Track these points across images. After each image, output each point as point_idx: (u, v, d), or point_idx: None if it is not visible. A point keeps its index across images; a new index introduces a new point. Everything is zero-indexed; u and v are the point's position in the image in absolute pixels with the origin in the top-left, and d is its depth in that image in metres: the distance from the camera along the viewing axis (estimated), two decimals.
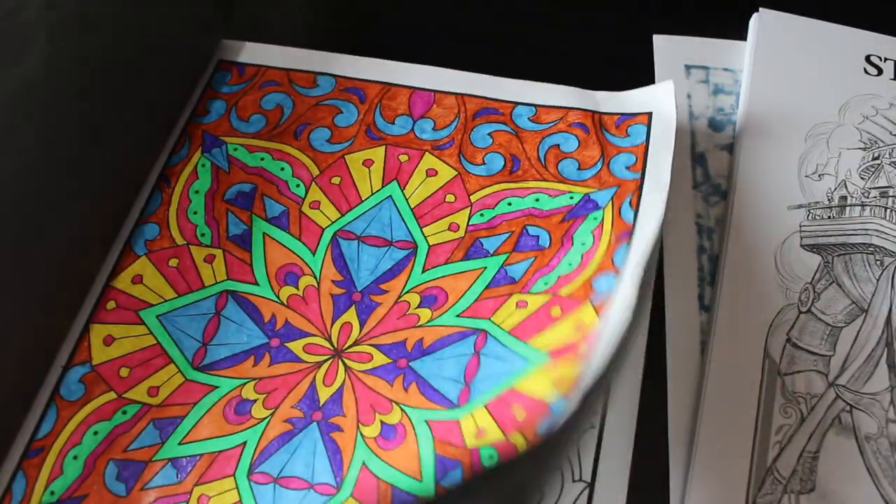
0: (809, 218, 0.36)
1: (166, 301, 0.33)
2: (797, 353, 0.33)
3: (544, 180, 0.36)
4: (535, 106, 0.38)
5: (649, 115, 0.37)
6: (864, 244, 0.36)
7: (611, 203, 0.35)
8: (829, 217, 0.36)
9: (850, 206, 0.37)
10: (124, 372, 0.32)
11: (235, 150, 0.38)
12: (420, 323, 0.33)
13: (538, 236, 0.34)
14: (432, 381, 0.31)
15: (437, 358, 0.32)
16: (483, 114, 0.38)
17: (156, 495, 0.29)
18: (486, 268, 0.34)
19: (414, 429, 0.30)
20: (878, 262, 0.35)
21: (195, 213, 0.36)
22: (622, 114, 0.37)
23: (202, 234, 0.35)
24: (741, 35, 0.43)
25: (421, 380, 0.31)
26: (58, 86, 0.33)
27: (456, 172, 0.37)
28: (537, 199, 0.36)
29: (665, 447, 0.32)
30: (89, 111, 0.34)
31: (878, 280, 0.35)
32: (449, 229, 0.35)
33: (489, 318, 0.32)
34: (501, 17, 0.46)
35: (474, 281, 0.34)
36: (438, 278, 0.34)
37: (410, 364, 0.32)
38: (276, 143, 0.38)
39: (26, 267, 0.31)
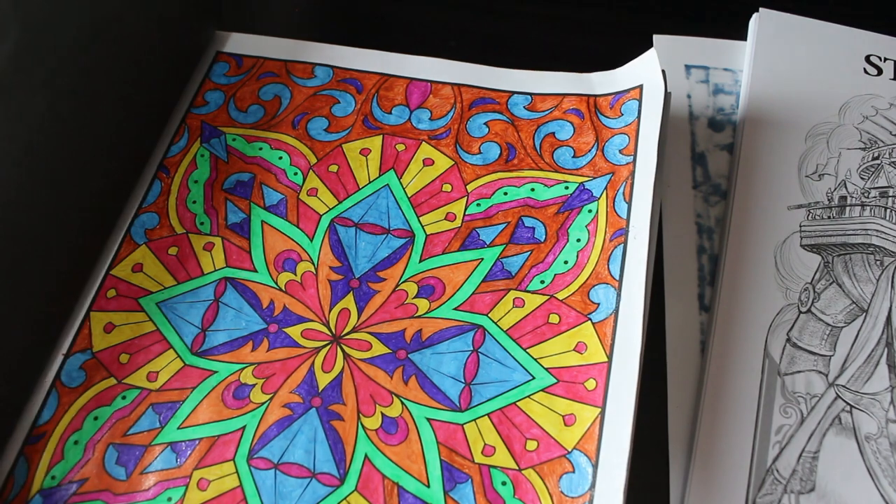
0: (809, 218, 0.36)
1: (166, 289, 0.34)
2: (797, 353, 0.33)
3: (540, 169, 0.36)
4: (530, 94, 0.39)
5: (640, 88, 0.37)
6: (864, 244, 0.36)
7: (605, 194, 0.35)
8: (829, 217, 0.36)
9: (850, 206, 0.37)
10: (124, 358, 0.32)
11: (234, 140, 0.38)
12: (418, 314, 0.33)
13: (534, 228, 0.35)
14: (432, 376, 0.32)
15: (436, 352, 0.32)
16: (479, 103, 0.39)
17: (156, 479, 0.30)
18: (482, 259, 0.34)
19: (416, 426, 0.30)
20: (878, 263, 0.35)
21: (194, 202, 0.36)
22: (616, 92, 0.38)
23: (201, 223, 0.35)
24: (741, 35, 0.43)
25: (420, 373, 0.32)
26: (49, 76, 0.33)
27: (453, 162, 0.37)
28: (533, 189, 0.36)
29: (665, 447, 0.32)
30: (85, 101, 0.34)
31: (878, 280, 0.35)
32: (446, 219, 0.35)
33: (487, 315, 0.33)
34: (501, 17, 0.46)
35: (471, 273, 0.34)
36: (436, 268, 0.34)
37: (409, 356, 0.32)
38: (273, 132, 0.38)
39: (26, 257, 0.31)
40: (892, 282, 0.35)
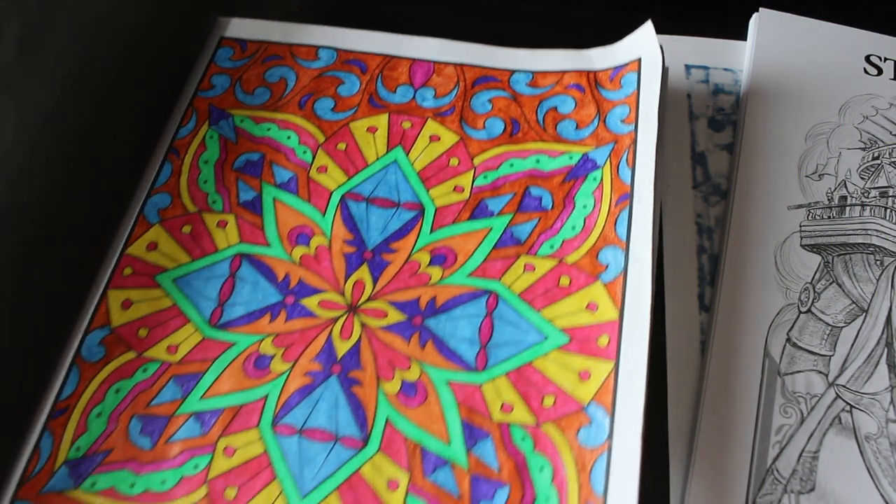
0: (809, 218, 0.36)
1: (181, 265, 0.34)
2: (797, 353, 0.33)
3: (544, 141, 0.37)
4: (531, 72, 0.39)
5: (639, 61, 0.38)
6: (864, 244, 0.36)
7: (608, 162, 0.36)
8: (829, 217, 0.36)
9: (850, 206, 0.37)
10: (143, 332, 0.33)
11: (242, 121, 0.39)
12: (432, 282, 0.34)
13: (540, 197, 0.35)
14: (448, 340, 0.32)
15: (451, 317, 0.33)
16: (482, 81, 0.39)
17: (181, 447, 0.30)
18: (491, 228, 0.35)
19: (435, 389, 0.31)
20: (878, 262, 0.35)
21: (205, 181, 0.37)
22: (615, 66, 0.38)
23: (213, 202, 0.36)
24: (741, 35, 0.43)
25: (436, 338, 0.32)
26: (55, 64, 0.34)
27: (458, 137, 0.38)
28: (538, 161, 0.37)
29: (665, 447, 0.32)
30: (92, 88, 0.35)
31: (877, 280, 0.35)
32: (454, 191, 0.36)
33: (499, 280, 0.33)
34: (500, 18, 0.46)
35: (482, 241, 0.35)
36: (447, 238, 0.35)
37: (425, 322, 0.33)
38: (281, 113, 0.39)
39: (42, 239, 0.32)
40: (892, 282, 0.35)
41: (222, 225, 0.35)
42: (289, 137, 0.38)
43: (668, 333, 0.35)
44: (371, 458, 0.30)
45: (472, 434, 0.30)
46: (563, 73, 0.39)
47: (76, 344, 0.32)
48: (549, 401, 0.30)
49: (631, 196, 0.34)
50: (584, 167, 0.36)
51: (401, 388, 0.31)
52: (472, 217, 0.35)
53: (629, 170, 0.34)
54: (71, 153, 0.33)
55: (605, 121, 0.37)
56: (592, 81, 0.38)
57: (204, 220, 0.35)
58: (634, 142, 0.35)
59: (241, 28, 0.42)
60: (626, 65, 0.38)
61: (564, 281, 0.33)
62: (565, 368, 0.31)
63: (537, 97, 0.38)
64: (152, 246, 0.35)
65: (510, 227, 0.35)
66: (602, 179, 0.35)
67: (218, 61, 0.41)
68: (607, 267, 0.33)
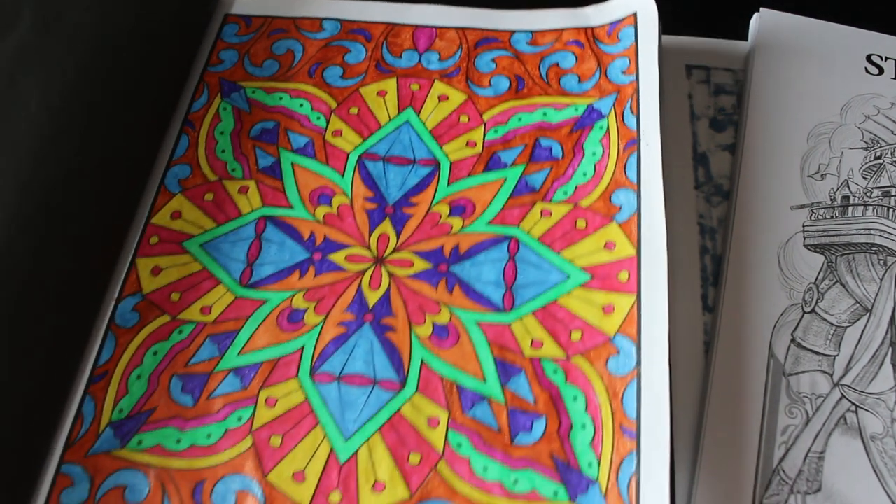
0: (812, 218, 0.36)
1: (207, 231, 0.35)
2: (802, 354, 0.33)
3: (549, 95, 0.38)
4: (531, 31, 0.41)
5: (634, 15, 0.39)
6: (868, 244, 0.36)
7: (613, 111, 0.37)
8: (832, 217, 0.36)
9: (853, 205, 0.37)
10: (175, 296, 0.33)
11: (254, 92, 0.39)
12: (453, 231, 0.35)
13: (550, 147, 0.37)
14: (474, 284, 0.33)
15: (475, 263, 0.34)
16: (484, 43, 0.41)
17: (223, 402, 0.31)
18: (506, 178, 0.36)
19: (466, 330, 0.32)
20: (882, 262, 0.35)
21: (223, 151, 0.37)
22: (611, 22, 0.40)
23: (233, 169, 0.37)
24: (742, 35, 0.43)
25: (463, 283, 0.33)
26: (69, 49, 0.35)
27: (466, 96, 0.39)
28: (545, 113, 0.38)
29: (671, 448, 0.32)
30: (106, 69, 0.36)
31: (881, 280, 0.35)
32: (467, 146, 0.37)
33: (518, 226, 0.35)
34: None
35: (498, 190, 0.36)
36: (464, 189, 0.36)
37: (451, 268, 0.34)
38: (292, 82, 0.40)
39: (67, 212, 0.32)
40: None
41: (244, 191, 0.36)
42: (301, 105, 0.39)
43: (672, 334, 0.35)
44: (410, 399, 0.31)
45: (506, 370, 0.31)
46: (562, 30, 0.40)
47: (109, 312, 0.33)
48: (576, 335, 0.32)
49: (638, 141, 0.35)
50: (590, 117, 0.37)
51: (433, 331, 0.32)
52: (487, 169, 0.36)
53: (634, 117, 0.36)
54: (89, 130, 0.34)
55: (606, 73, 0.38)
56: (591, 37, 0.40)
57: (225, 187, 0.36)
58: (636, 91, 0.37)
59: (245, 5, 0.43)
60: (623, 19, 0.39)
61: (581, 223, 0.34)
62: (589, 304, 0.32)
63: (538, 54, 0.40)
64: (176, 215, 0.35)
65: (524, 177, 0.36)
66: (608, 128, 0.36)
67: (224, 37, 0.41)
68: (621, 208, 0.34)
